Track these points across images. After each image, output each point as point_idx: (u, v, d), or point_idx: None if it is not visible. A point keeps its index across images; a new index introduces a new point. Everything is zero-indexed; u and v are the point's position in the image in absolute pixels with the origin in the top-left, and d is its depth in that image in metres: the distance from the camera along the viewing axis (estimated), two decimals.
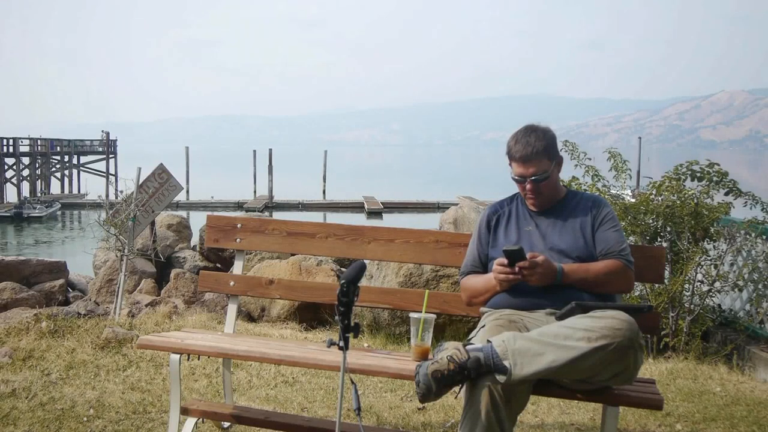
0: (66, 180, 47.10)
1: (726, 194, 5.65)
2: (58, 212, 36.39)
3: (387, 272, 6.01)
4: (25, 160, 43.17)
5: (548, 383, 2.41)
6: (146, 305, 7.34)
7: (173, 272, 9.21)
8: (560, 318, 2.45)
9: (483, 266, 2.83)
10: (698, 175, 5.63)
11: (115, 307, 6.35)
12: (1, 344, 4.72)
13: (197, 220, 14.90)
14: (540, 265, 2.55)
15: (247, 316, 7.08)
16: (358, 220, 31.87)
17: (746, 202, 5.64)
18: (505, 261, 2.59)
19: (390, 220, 32.41)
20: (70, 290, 10.37)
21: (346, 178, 63.74)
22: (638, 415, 3.67)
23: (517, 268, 2.57)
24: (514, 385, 2.29)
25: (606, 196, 5.83)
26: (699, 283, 5.49)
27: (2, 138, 40.71)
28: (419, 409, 3.76)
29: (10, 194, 40.76)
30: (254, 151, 44.59)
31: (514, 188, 2.84)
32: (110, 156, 47.79)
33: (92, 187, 41.44)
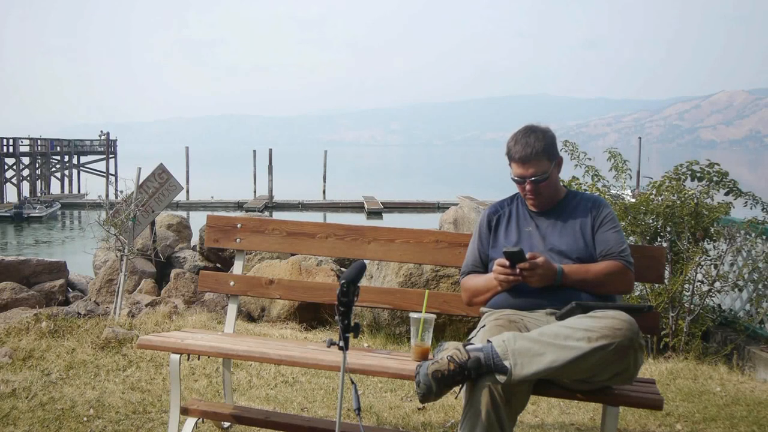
0: (66, 180, 47.11)
1: (726, 194, 5.65)
2: (58, 212, 36.40)
3: (387, 272, 6.01)
4: (25, 160, 43.17)
5: (548, 383, 2.41)
6: (146, 305, 7.35)
7: (173, 272, 9.22)
8: (560, 318, 2.45)
9: (484, 266, 2.83)
10: (698, 175, 5.63)
11: (115, 307, 6.35)
12: (1, 344, 4.72)
13: (197, 220, 14.91)
14: (540, 266, 2.55)
15: (247, 316, 7.09)
16: (358, 220, 31.88)
17: (746, 202, 5.64)
18: (505, 262, 2.59)
19: (390, 220, 32.42)
20: (70, 290, 10.38)
21: (346, 178, 63.74)
22: (638, 415, 3.67)
23: (517, 269, 2.57)
24: (514, 385, 2.29)
25: (606, 196, 5.83)
26: (699, 283, 5.49)
27: (2, 138, 40.71)
28: (419, 409, 3.76)
29: (10, 194, 40.76)
30: (254, 151, 44.58)
31: (514, 188, 2.83)
32: (110, 156, 47.79)
33: (92, 187, 41.45)
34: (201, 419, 3.23)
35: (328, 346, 2.18)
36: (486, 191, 35.46)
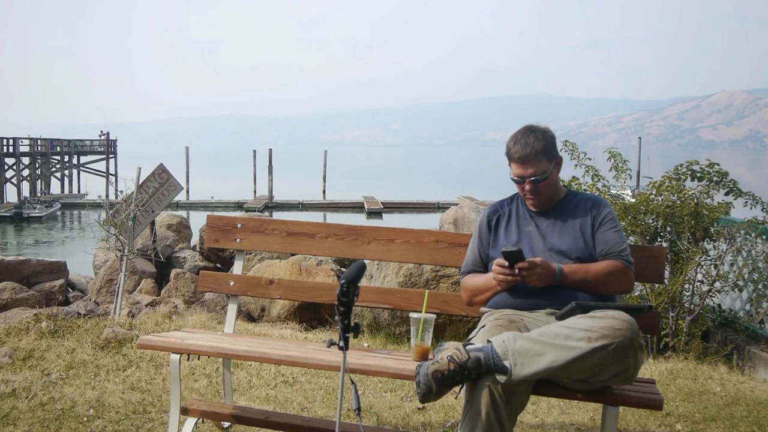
0: (66, 180, 47.11)
1: (726, 194, 5.65)
2: (58, 212, 36.41)
3: (387, 272, 6.01)
4: (25, 160, 43.18)
5: (548, 383, 2.41)
6: (146, 305, 7.35)
7: (173, 272, 9.22)
8: (560, 318, 2.45)
9: (484, 266, 2.82)
10: (698, 175, 5.63)
11: (115, 307, 6.35)
12: (1, 344, 4.72)
13: (197, 220, 14.91)
14: (538, 266, 2.55)
15: (247, 316, 7.09)
16: (358, 220, 31.88)
17: (746, 202, 5.64)
18: (504, 262, 2.59)
19: (390, 220, 32.42)
20: (70, 290, 10.37)
21: (346, 178, 63.74)
22: (638, 415, 3.67)
23: (516, 270, 2.57)
24: (514, 385, 2.29)
25: (606, 196, 5.83)
26: (699, 283, 5.49)
27: (2, 138, 40.71)
28: (419, 409, 3.76)
29: (10, 194, 40.76)
30: (254, 151, 44.59)
31: (514, 188, 2.83)
32: (110, 156, 47.80)
33: (92, 187, 41.47)
34: (201, 419, 3.23)
35: (328, 346, 2.18)
36: (486, 191, 35.47)
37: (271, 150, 40.65)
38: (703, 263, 5.45)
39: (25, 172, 43.33)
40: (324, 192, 42.70)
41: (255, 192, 41.36)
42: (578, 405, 3.85)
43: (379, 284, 6.00)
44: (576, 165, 6.07)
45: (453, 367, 2.30)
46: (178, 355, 2.89)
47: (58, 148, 46.78)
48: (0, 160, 39.82)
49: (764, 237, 5.42)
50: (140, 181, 6.48)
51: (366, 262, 2.70)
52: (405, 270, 5.84)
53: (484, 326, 2.62)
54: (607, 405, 2.45)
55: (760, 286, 5.45)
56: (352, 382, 2.15)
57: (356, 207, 37.17)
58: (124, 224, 6.33)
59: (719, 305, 5.81)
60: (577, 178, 5.97)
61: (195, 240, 11.65)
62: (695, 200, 5.49)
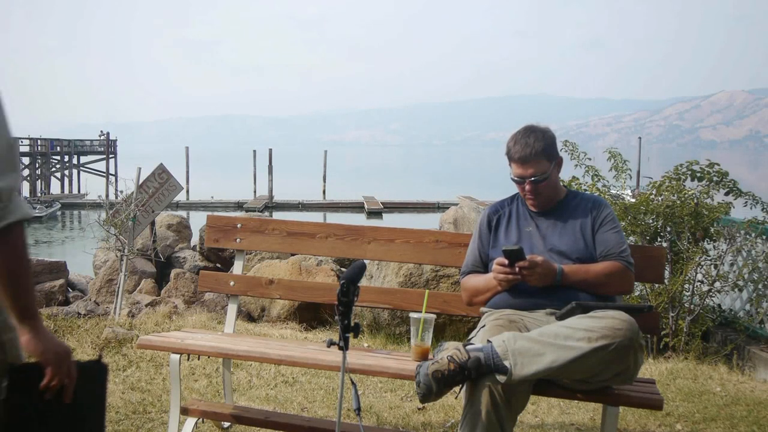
0: (66, 180, 47.09)
1: (726, 194, 5.65)
2: (58, 212, 36.39)
3: (387, 272, 6.01)
4: (25, 160, 43.16)
5: (548, 383, 2.41)
6: (146, 305, 7.35)
7: (173, 272, 9.22)
8: (560, 318, 2.45)
9: (484, 266, 2.82)
10: (698, 175, 5.63)
11: (115, 307, 6.35)
12: None
13: (197, 220, 14.90)
14: (539, 265, 2.55)
15: (247, 316, 7.09)
16: (358, 220, 31.86)
17: (746, 202, 5.64)
18: (505, 261, 2.59)
19: (390, 220, 32.40)
20: (70, 290, 10.36)
21: (346, 178, 63.73)
22: (638, 415, 3.67)
23: (516, 268, 2.57)
24: (514, 385, 2.30)
25: (606, 196, 5.83)
26: (699, 283, 5.50)
27: None
28: (419, 409, 3.76)
29: None
30: (254, 151, 44.56)
31: (514, 188, 2.83)
32: (110, 156, 47.78)
33: (92, 187, 41.43)
34: (201, 419, 3.23)
35: (328, 346, 2.18)
36: (486, 191, 35.46)
37: (271, 150, 40.61)
38: (703, 263, 5.45)
39: (25, 172, 43.31)
40: (324, 192, 42.67)
41: (255, 192, 41.34)
42: (578, 405, 3.85)
43: (379, 284, 6.00)
44: (576, 165, 6.07)
45: (453, 367, 2.30)
46: (178, 355, 2.89)
47: (58, 148, 46.76)
48: None
49: (764, 237, 5.42)
50: (140, 181, 6.48)
51: (366, 262, 2.70)
52: (405, 270, 5.84)
53: (484, 326, 2.62)
54: (607, 405, 2.45)
55: (760, 286, 5.46)
56: (352, 382, 2.15)
57: (356, 207, 37.15)
58: (124, 224, 6.33)
59: (719, 305, 5.82)
60: (577, 178, 5.96)
61: (195, 240, 11.64)
62: (695, 200, 5.49)
